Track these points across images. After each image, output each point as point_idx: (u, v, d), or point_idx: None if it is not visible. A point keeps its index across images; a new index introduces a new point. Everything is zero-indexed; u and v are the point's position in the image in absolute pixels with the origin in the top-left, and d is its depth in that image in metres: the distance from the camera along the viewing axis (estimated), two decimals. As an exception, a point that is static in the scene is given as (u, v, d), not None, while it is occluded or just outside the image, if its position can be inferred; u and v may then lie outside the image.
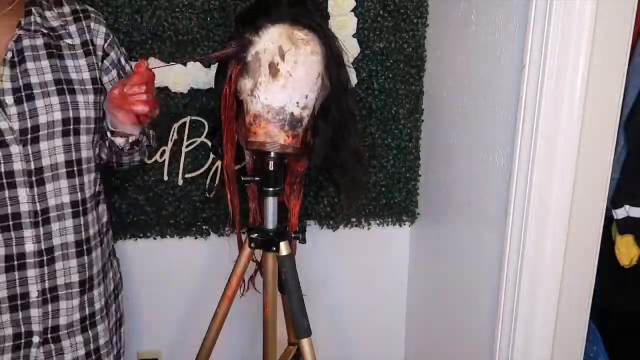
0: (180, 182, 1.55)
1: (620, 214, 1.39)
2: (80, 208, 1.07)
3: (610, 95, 1.09)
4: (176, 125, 1.51)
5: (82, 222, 1.07)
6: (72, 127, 1.04)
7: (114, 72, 1.14)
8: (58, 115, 1.02)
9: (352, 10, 1.52)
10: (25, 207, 1.00)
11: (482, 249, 1.32)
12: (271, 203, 1.31)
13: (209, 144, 1.53)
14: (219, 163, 1.54)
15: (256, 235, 1.32)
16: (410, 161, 1.67)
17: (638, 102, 1.32)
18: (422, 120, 1.65)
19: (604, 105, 1.09)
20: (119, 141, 1.09)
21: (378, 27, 1.55)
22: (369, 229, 1.72)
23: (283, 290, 1.37)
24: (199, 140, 1.53)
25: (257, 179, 1.33)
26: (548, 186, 1.10)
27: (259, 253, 1.37)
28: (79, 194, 1.07)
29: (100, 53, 1.11)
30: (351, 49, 1.53)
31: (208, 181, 1.56)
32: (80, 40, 1.08)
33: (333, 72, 1.21)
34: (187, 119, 1.51)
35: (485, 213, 1.30)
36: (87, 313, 1.10)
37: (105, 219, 1.17)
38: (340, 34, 1.43)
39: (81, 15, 1.10)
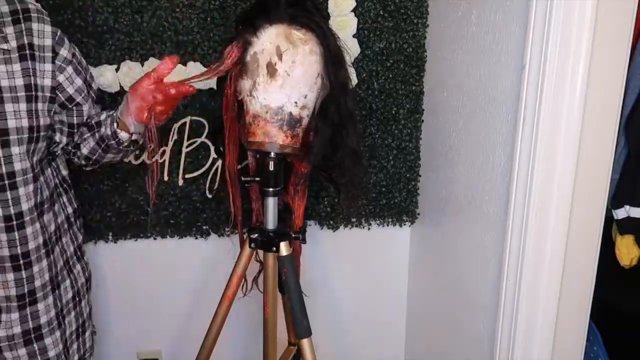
0: (180, 182, 1.55)
1: (620, 214, 1.39)
2: (15, 222, 1.03)
3: (610, 95, 1.09)
4: (176, 125, 1.51)
5: (18, 237, 1.04)
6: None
7: (70, 69, 1.10)
8: None
9: (352, 10, 1.52)
10: None
11: (482, 249, 1.32)
12: (271, 203, 1.31)
13: (209, 143, 1.53)
14: (219, 163, 1.54)
15: (256, 235, 1.32)
16: (410, 161, 1.67)
17: (638, 102, 1.32)
18: (422, 120, 1.65)
19: (604, 105, 1.09)
20: (122, 135, 1.10)
21: (378, 27, 1.55)
22: (369, 229, 1.72)
23: (283, 290, 1.37)
24: (199, 140, 1.53)
25: (256, 179, 1.33)
26: (548, 186, 1.10)
27: (261, 253, 1.37)
28: (12, 208, 1.02)
29: (49, 54, 1.06)
30: (351, 49, 1.53)
31: (208, 181, 1.56)
32: (17, 44, 1.02)
33: (331, 72, 1.21)
34: (187, 119, 1.51)
35: (485, 213, 1.30)
36: (30, 326, 1.08)
37: (53, 227, 1.13)
38: (340, 34, 1.43)
39: (20, 16, 1.03)
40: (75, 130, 1.16)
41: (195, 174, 1.55)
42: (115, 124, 1.10)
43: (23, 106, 1.02)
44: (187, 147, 1.53)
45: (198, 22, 1.45)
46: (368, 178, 1.65)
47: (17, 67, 1.02)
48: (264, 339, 1.38)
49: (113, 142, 1.12)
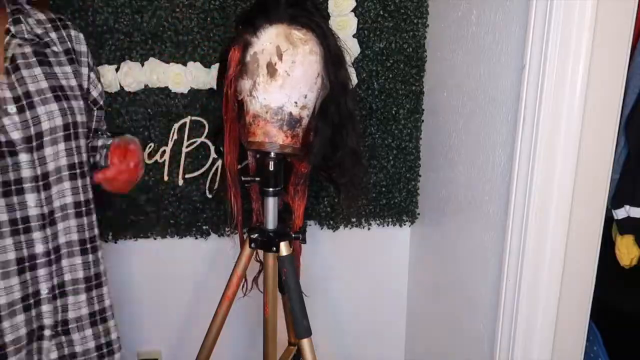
0: (180, 182, 1.55)
1: (620, 214, 1.39)
2: (84, 208, 1.11)
3: (610, 95, 1.09)
4: (176, 125, 1.51)
5: (86, 222, 1.11)
6: (72, 131, 1.07)
7: (92, 74, 1.18)
8: (59, 121, 1.05)
9: (352, 10, 1.52)
10: (33, 211, 1.02)
11: (482, 249, 1.32)
12: (271, 203, 1.31)
13: (209, 144, 1.53)
14: (219, 163, 1.54)
15: (256, 235, 1.32)
16: (410, 161, 1.67)
17: (638, 102, 1.32)
18: (422, 120, 1.65)
19: (604, 105, 1.09)
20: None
21: (378, 27, 1.55)
22: (369, 229, 1.72)
23: (283, 290, 1.37)
24: (199, 140, 1.53)
25: (256, 178, 1.33)
26: (548, 186, 1.10)
27: (261, 253, 1.37)
28: (82, 195, 1.10)
29: (84, 59, 1.15)
30: (351, 49, 1.53)
31: (208, 181, 1.56)
32: (63, 48, 1.11)
33: (331, 72, 1.21)
34: (187, 119, 1.51)
35: (485, 213, 1.30)
36: (96, 308, 1.14)
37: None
38: (340, 34, 1.43)
39: (58, 23, 1.12)
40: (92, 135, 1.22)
41: (195, 174, 1.55)
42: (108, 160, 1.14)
43: (82, 103, 1.11)
44: (187, 147, 1.53)
45: (198, 22, 1.45)
46: (368, 178, 1.65)
47: (68, 69, 1.10)
48: (264, 339, 1.38)
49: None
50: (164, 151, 1.52)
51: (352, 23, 1.52)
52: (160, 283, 1.65)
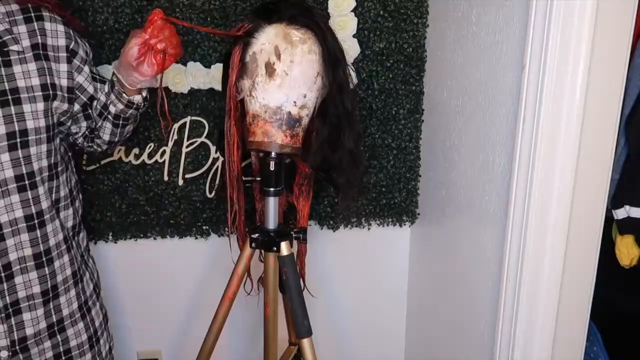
0: (180, 182, 1.55)
1: (620, 214, 1.39)
2: (36, 221, 1.04)
3: (610, 95, 1.09)
4: (176, 125, 1.51)
5: (39, 235, 1.05)
6: (18, 140, 0.99)
7: (87, 68, 1.11)
8: (1, 130, 0.96)
9: (352, 10, 1.52)
10: None
11: (482, 249, 1.32)
12: (271, 203, 1.31)
13: (209, 143, 1.53)
14: (219, 163, 1.54)
15: (257, 235, 1.32)
16: (410, 161, 1.67)
17: (638, 102, 1.32)
18: (422, 120, 1.65)
19: (604, 105, 1.09)
20: (137, 98, 1.14)
21: (378, 27, 1.55)
22: (369, 229, 1.72)
23: (284, 290, 1.37)
24: (199, 140, 1.53)
25: (257, 178, 1.33)
26: (548, 186, 1.10)
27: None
28: (33, 207, 1.03)
29: (63, 54, 1.06)
30: (351, 49, 1.53)
31: (208, 181, 1.56)
32: (30, 43, 1.01)
33: (329, 71, 1.21)
34: (187, 119, 1.51)
35: (485, 213, 1.30)
36: (54, 320, 1.10)
37: (70, 223, 1.15)
38: (340, 34, 1.43)
39: (32, 14, 1.02)
40: (91, 113, 1.18)
41: (195, 174, 1.55)
42: (124, 95, 1.13)
43: (40, 106, 1.02)
44: (187, 147, 1.53)
45: (198, 22, 1.45)
46: (368, 178, 1.65)
47: (32, 66, 1.01)
48: (265, 339, 1.38)
49: (132, 110, 1.16)
50: (164, 151, 1.52)
51: (352, 23, 1.52)
52: (161, 283, 1.65)
